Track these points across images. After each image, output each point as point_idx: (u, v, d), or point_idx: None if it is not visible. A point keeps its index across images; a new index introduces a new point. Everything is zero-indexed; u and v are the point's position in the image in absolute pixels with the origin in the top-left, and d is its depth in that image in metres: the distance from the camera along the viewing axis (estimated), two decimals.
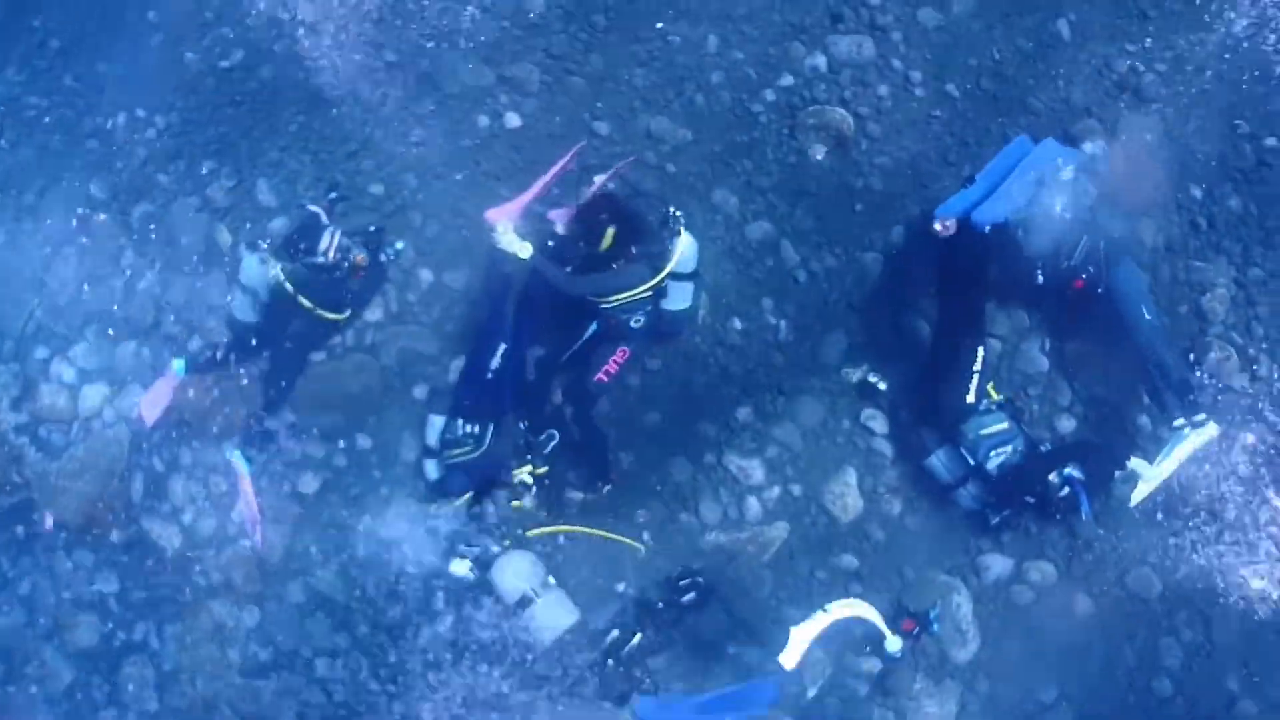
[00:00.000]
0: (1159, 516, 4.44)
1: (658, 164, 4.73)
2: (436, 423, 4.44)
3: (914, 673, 4.42)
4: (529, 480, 4.30)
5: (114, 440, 4.94)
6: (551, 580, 4.20)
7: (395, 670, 4.43)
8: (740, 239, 4.69)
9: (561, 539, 4.37)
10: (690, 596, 4.20)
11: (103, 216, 5.13)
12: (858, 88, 4.75)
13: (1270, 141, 4.74)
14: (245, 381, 4.65)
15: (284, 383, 4.57)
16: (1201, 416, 4.26)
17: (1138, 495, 4.25)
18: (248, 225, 4.90)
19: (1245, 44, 4.74)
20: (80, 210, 5.15)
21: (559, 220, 4.29)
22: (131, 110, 5.24)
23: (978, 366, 4.21)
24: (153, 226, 5.07)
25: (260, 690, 4.61)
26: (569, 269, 4.20)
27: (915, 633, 4.35)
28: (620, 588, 4.36)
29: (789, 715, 4.38)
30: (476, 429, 4.27)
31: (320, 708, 4.56)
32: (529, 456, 4.34)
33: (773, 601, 4.43)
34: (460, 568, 4.16)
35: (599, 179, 4.37)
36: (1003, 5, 4.86)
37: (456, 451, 4.34)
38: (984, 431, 4.21)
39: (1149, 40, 4.78)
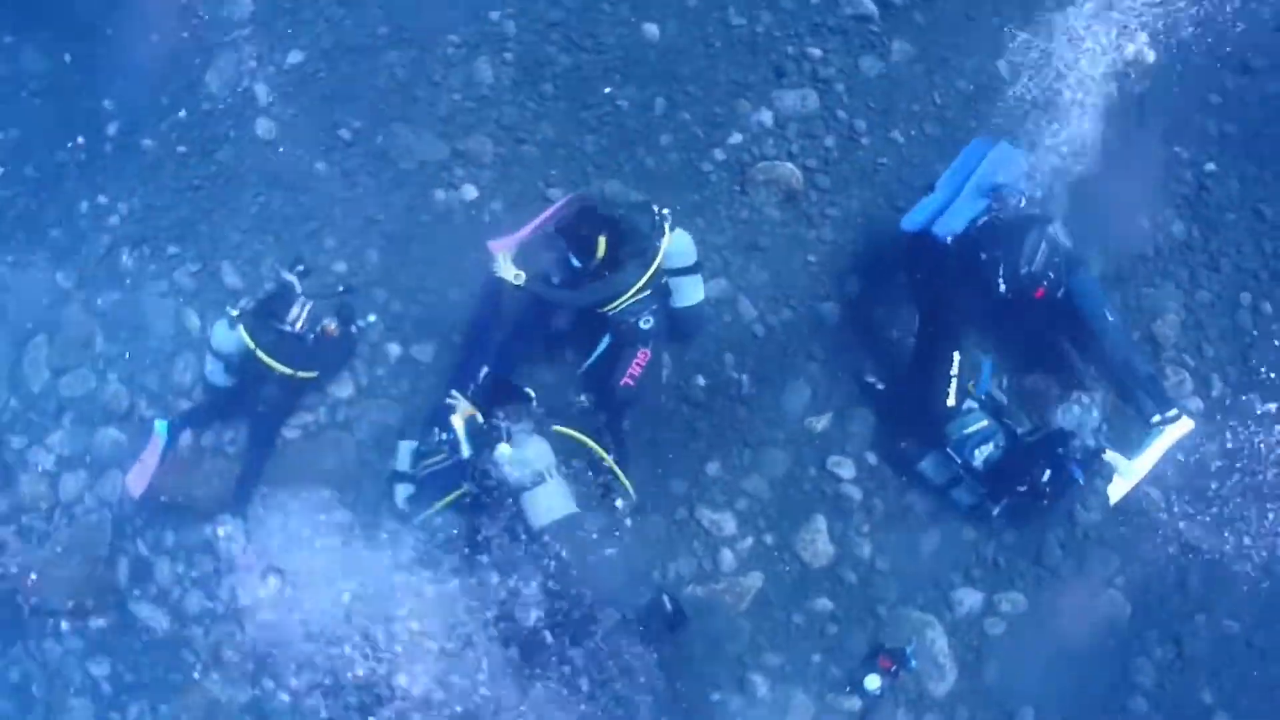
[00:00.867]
0: (1126, 536, 4.53)
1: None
2: (406, 447, 4.45)
3: (895, 709, 4.46)
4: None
5: (97, 526, 4.93)
6: (563, 470, 4.16)
7: None
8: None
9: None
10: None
11: (72, 305, 5.14)
12: (805, 140, 4.80)
13: (1209, 166, 4.82)
14: (228, 451, 4.67)
15: (259, 450, 4.59)
16: (1174, 411, 4.34)
17: (1116, 492, 4.32)
18: (225, 307, 4.90)
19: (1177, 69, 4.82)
20: (47, 299, 5.17)
21: (509, 245, 4.32)
22: (93, 198, 5.24)
23: (954, 370, 4.26)
24: (122, 313, 5.09)
25: None
26: (566, 286, 4.29)
27: (893, 670, 4.41)
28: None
29: None
30: (450, 435, 4.23)
31: None
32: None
33: (752, 648, 4.48)
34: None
35: (541, 218, 4.38)
36: (942, 50, 4.93)
37: (431, 461, 4.31)
38: (966, 431, 4.29)
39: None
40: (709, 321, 4.63)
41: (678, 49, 4.95)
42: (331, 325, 4.47)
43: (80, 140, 5.28)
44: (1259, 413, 4.63)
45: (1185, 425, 4.33)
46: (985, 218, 4.25)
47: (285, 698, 4.27)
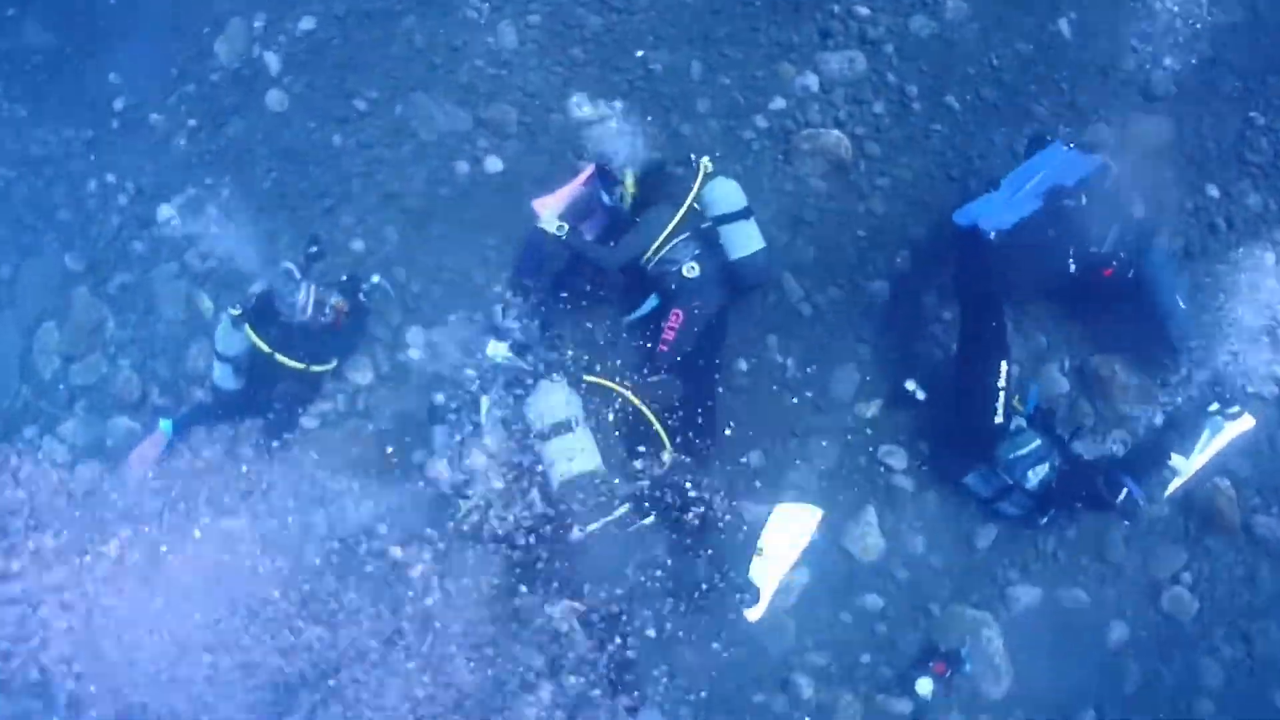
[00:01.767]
0: (1192, 531, 4.19)
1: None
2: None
3: (949, 712, 4.16)
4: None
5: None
6: (590, 421, 3.78)
7: None
8: None
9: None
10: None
11: (81, 289, 4.85)
12: (853, 106, 4.40)
13: None
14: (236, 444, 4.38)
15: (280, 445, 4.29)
16: (1236, 409, 4.00)
17: (1170, 486, 4.02)
18: (227, 290, 4.61)
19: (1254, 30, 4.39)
20: (56, 284, 4.87)
21: (554, 201, 4.07)
22: (101, 176, 4.92)
23: (1002, 383, 3.92)
24: (132, 296, 4.79)
25: None
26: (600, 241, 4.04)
27: (948, 674, 4.10)
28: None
29: None
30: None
31: None
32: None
33: (798, 647, 4.18)
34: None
35: (585, 174, 4.14)
36: (998, 8, 4.49)
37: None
38: (1018, 454, 3.96)
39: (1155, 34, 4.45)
40: (773, 270, 4.24)
41: (715, 9, 4.55)
42: (340, 302, 4.14)
43: (88, 116, 4.97)
44: None
45: (1246, 423, 4.01)
46: (1043, 212, 3.91)
47: None
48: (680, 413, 3.96)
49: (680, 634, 4.02)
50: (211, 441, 4.38)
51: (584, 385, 3.87)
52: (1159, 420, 4.17)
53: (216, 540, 3.93)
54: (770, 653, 4.17)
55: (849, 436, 4.24)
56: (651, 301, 4.13)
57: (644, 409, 3.88)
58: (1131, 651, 4.19)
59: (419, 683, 3.71)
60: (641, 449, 3.85)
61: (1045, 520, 4.06)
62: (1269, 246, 4.34)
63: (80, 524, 4.06)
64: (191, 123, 4.77)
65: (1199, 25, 4.43)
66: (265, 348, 4.03)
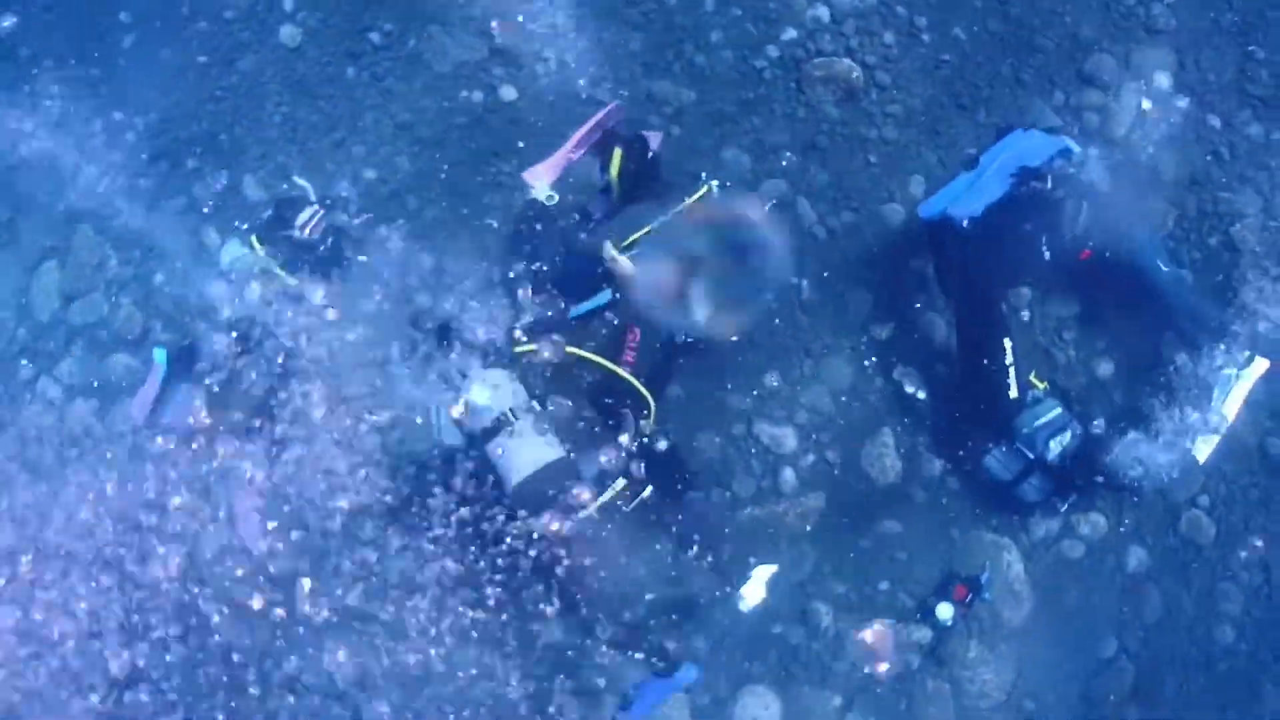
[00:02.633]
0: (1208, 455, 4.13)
1: (663, 127, 4.36)
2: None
3: (967, 640, 4.04)
4: None
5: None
6: (536, 406, 3.34)
7: None
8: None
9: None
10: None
11: (84, 226, 4.74)
12: (863, 37, 4.41)
13: None
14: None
15: None
16: (1247, 354, 3.94)
17: (1203, 451, 3.90)
18: (236, 223, 4.52)
19: None
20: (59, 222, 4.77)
21: (547, 170, 3.79)
22: (108, 114, 4.85)
23: (1010, 360, 3.85)
24: (137, 233, 4.68)
25: None
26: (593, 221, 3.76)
27: (968, 599, 3.99)
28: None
29: (838, 693, 4.02)
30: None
31: None
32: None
33: (815, 575, 4.07)
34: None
35: (576, 137, 3.84)
36: None
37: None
38: (1039, 423, 3.87)
39: None
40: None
41: None
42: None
43: (96, 55, 4.91)
44: None
45: (1261, 366, 3.94)
46: (1011, 196, 3.86)
47: None
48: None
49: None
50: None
51: (523, 359, 3.43)
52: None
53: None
54: (790, 580, 4.06)
55: (864, 358, 4.18)
56: (604, 295, 3.73)
57: (626, 375, 3.48)
58: (1152, 578, 4.11)
59: None
60: (612, 420, 3.49)
61: (1065, 507, 3.97)
62: (1271, 174, 4.40)
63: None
64: (202, 59, 4.72)
65: None
66: (270, 261, 3.93)
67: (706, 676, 3.97)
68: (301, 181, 4.04)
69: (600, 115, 3.96)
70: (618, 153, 3.74)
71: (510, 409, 3.28)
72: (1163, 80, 4.44)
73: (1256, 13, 4.44)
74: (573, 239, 3.79)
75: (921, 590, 4.05)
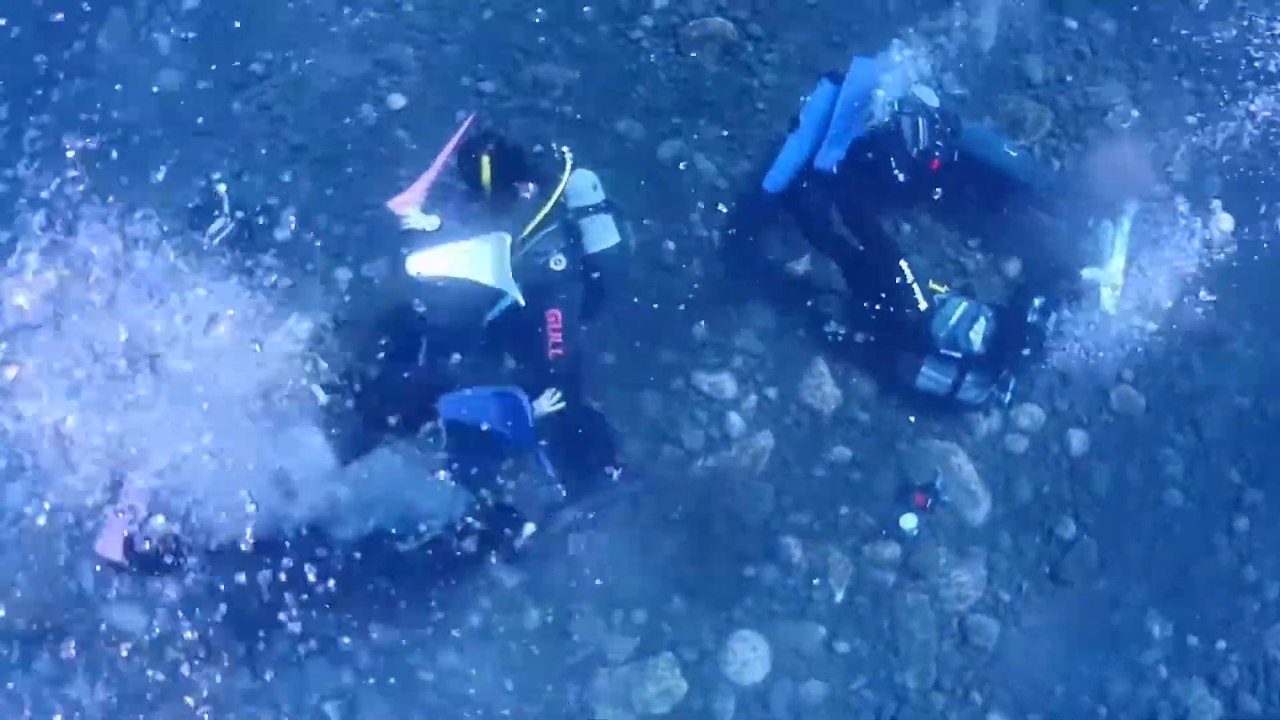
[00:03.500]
0: (1122, 329, 4.31)
1: (553, 108, 4.44)
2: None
3: (936, 547, 4.12)
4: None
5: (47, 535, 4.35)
6: None
7: None
8: (654, 162, 4.42)
9: None
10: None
11: None
12: None
13: None
14: None
15: None
16: (1122, 207, 4.09)
17: (1109, 301, 4.05)
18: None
19: None
20: None
21: (415, 196, 3.77)
22: None
23: (910, 279, 3.99)
24: None
25: None
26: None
27: (929, 505, 4.07)
28: None
29: (820, 624, 4.05)
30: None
31: None
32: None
33: (777, 510, 4.11)
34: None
35: (443, 155, 3.86)
36: None
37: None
38: (951, 322, 4.01)
39: None
40: (629, 268, 4.07)
41: None
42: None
43: None
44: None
45: (1131, 208, 4.14)
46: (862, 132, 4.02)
47: None
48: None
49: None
50: None
51: None
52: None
53: None
54: (750, 522, 4.10)
55: (784, 294, 4.27)
56: (507, 300, 3.77)
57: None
58: (1095, 455, 4.25)
59: None
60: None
61: (1010, 396, 4.10)
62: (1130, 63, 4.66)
63: None
64: (84, 116, 4.64)
65: None
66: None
67: (691, 631, 3.97)
68: (219, 189, 4.02)
69: (460, 132, 3.88)
70: (485, 161, 3.72)
71: None
72: None
73: None
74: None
75: (881, 507, 4.13)
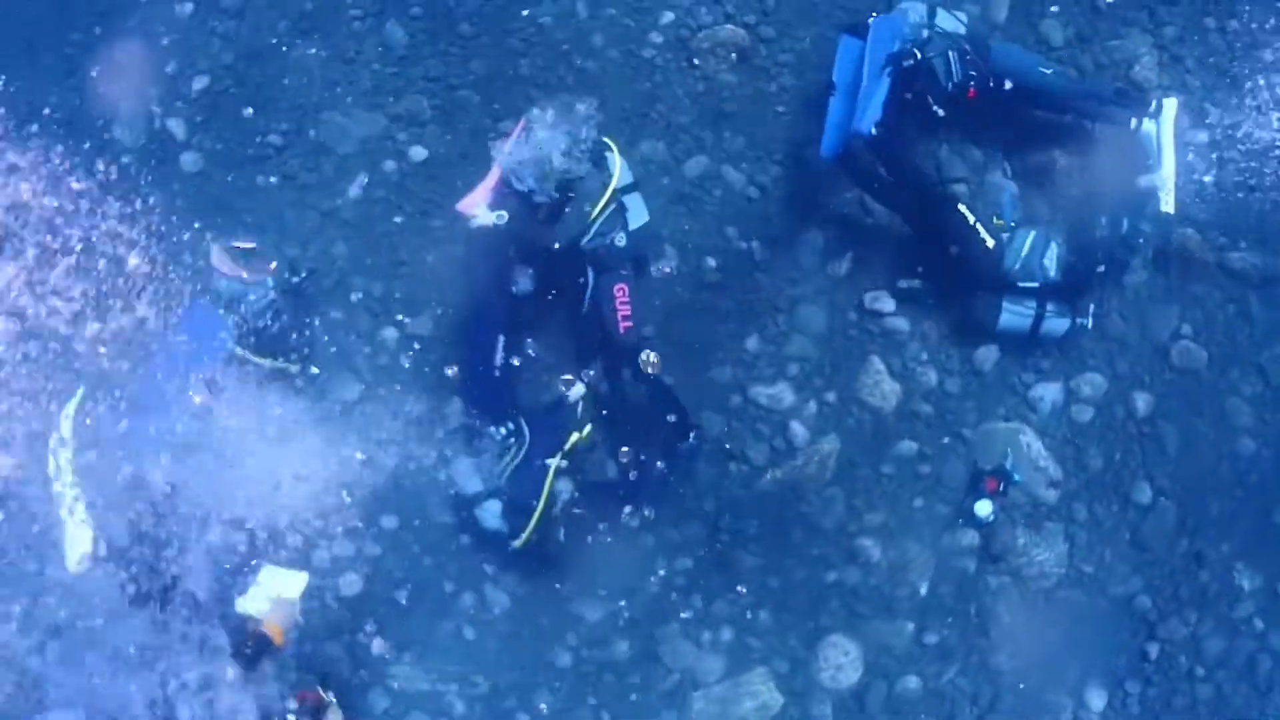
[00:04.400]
0: (1174, 285, 4.24)
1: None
2: (468, 465, 3.96)
3: (1013, 529, 4.09)
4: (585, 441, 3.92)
5: None
6: None
7: None
8: (682, 181, 4.36)
9: None
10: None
11: None
12: (738, 0, 4.50)
13: None
14: None
15: None
16: (1153, 104, 4.08)
17: (1168, 203, 4.01)
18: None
19: None
20: None
21: (479, 198, 3.94)
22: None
23: (972, 219, 3.96)
24: None
25: None
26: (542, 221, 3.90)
27: (1001, 489, 4.04)
28: None
29: (908, 620, 4.04)
30: (511, 425, 3.86)
31: None
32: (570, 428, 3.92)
33: (851, 513, 4.08)
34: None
35: (509, 136, 4.01)
36: None
37: (506, 461, 3.87)
38: (1024, 253, 3.96)
39: None
40: (659, 244, 4.20)
41: None
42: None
43: None
44: (1259, 130, 4.40)
45: (1172, 105, 4.09)
46: (894, 84, 3.92)
47: None
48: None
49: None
50: None
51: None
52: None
53: None
54: (825, 527, 4.09)
55: (831, 296, 4.22)
56: (591, 277, 3.98)
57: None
58: (1162, 415, 4.19)
59: None
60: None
61: (1091, 321, 4.02)
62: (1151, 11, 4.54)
63: None
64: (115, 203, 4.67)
65: None
66: (236, 346, 3.89)
67: (780, 643, 3.98)
68: (248, 246, 4.02)
69: (517, 129, 4.00)
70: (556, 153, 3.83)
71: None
72: None
73: None
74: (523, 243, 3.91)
75: (954, 496, 4.10)
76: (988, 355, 4.20)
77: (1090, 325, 4.06)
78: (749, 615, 4.02)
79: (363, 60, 4.57)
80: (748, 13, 4.48)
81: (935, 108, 3.96)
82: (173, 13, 4.70)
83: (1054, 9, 4.51)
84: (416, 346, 4.27)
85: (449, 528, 4.13)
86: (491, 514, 3.91)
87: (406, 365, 4.26)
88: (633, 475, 3.98)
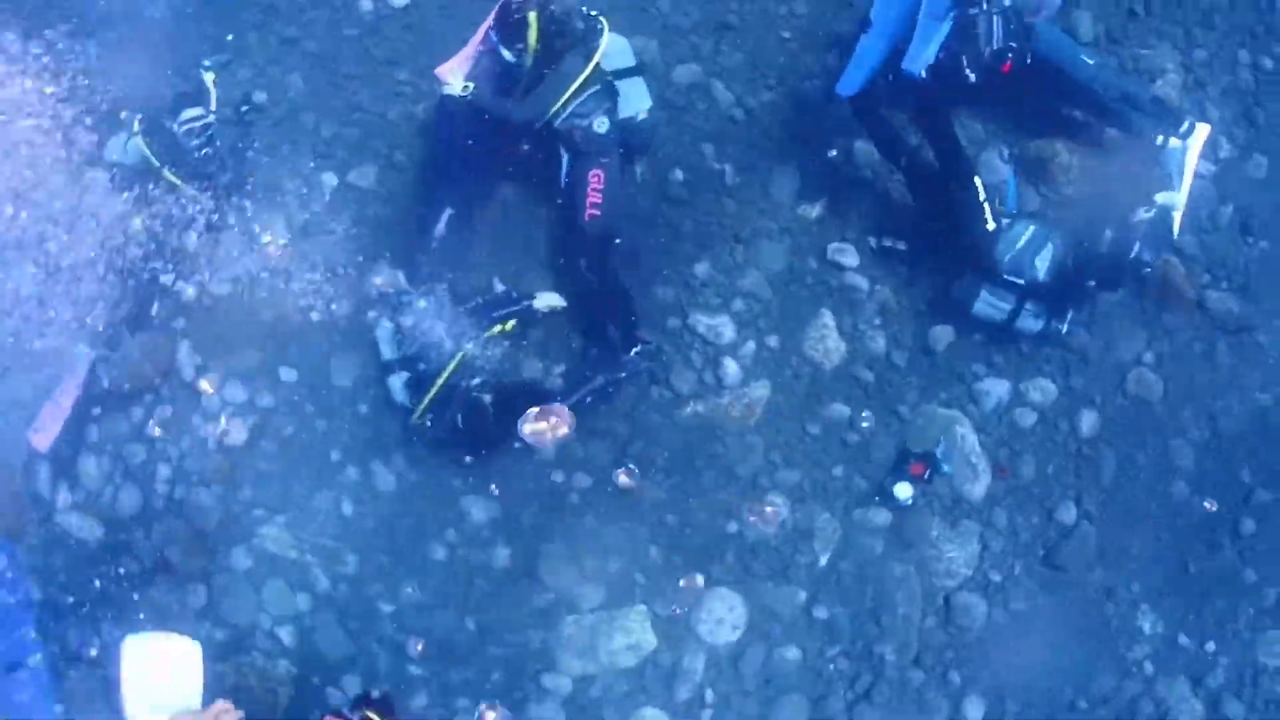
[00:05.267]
0: (1148, 310, 4.06)
1: None
2: (386, 328, 3.77)
3: (929, 517, 3.89)
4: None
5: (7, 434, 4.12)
6: None
7: None
8: (668, 85, 4.10)
9: None
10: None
11: None
12: None
13: None
14: None
15: None
16: (1187, 125, 3.91)
17: (1175, 224, 3.86)
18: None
19: None
20: None
21: (456, 64, 3.76)
22: None
23: (983, 196, 3.76)
24: None
25: (223, 674, 3.84)
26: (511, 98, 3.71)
27: (926, 476, 3.84)
28: None
29: (801, 588, 3.84)
30: (431, 299, 3.64)
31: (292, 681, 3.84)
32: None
33: (767, 466, 3.87)
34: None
35: (483, 29, 3.82)
36: None
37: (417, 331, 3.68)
38: (1018, 245, 3.77)
39: None
40: (657, 132, 4.01)
41: None
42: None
43: None
44: (1266, 175, 4.22)
45: (1204, 131, 3.93)
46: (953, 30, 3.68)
47: None
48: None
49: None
50: None
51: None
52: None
53: None
54: (739, 475, 3.87)
55: (795, 238, 3.99)
56: (565, 160, 3.83)
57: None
58: (1105, 439, 4.01)
59: None
60: None
61: (1066, 327, 3.86)
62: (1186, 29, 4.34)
63: None
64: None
65: None
66: (154, 160, 3.61)
67: (666, 585, 3.76)
68: (209, 76, 3.74)
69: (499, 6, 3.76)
70: (533, 18, 3.63)
71: None
72: None
73: None
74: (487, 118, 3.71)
75: (877, 472, 3.89)
76: (943, 335, 4.00)
77: (1065, 332, 3.88)
78: (639, 550, 3.80)
79: None
80: None
81: (967, 70, 3.71)
82: None
83: (1089, 1, 4.31)
84: (353, 197, 3.99)
85: (348, 393, 3.89)
86: (398, 384, 3.76)
87: (341, 214, 3.98)
88: (552, 383, 3.76)
